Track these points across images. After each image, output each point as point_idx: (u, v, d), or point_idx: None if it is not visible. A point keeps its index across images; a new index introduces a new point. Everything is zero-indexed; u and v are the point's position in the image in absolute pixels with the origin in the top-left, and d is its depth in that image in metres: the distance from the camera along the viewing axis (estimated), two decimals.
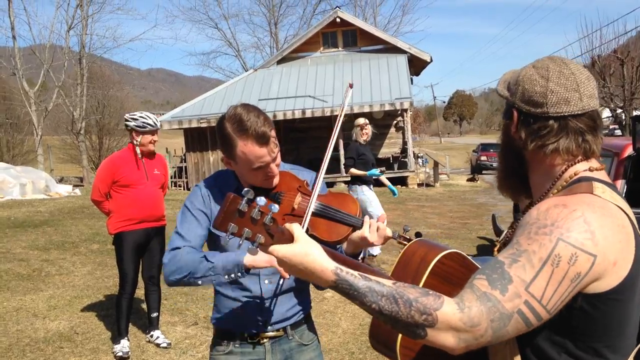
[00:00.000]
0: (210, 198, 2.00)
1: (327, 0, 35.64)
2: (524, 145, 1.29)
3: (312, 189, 1.94)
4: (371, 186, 7.10)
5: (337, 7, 22.82)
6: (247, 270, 1.83)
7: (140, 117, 4.47)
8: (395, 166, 19.57)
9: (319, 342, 2.18)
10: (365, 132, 7.07)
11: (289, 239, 1.22)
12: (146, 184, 4.54)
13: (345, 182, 18.08)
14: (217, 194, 2.00)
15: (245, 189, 1.21)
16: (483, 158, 27.43)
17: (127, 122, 4.46)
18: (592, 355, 1.18)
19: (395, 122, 21.17)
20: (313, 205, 1.86)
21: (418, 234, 2.08)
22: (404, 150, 19.94)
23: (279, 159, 1.94)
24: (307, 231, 1.89)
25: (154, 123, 4.48)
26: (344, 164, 7.22)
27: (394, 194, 7.25)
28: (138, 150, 4.51)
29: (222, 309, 2.05)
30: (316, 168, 2.01)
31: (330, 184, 18.15)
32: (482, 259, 1.48)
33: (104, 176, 4.50)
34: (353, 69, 20.04)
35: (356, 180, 7.03)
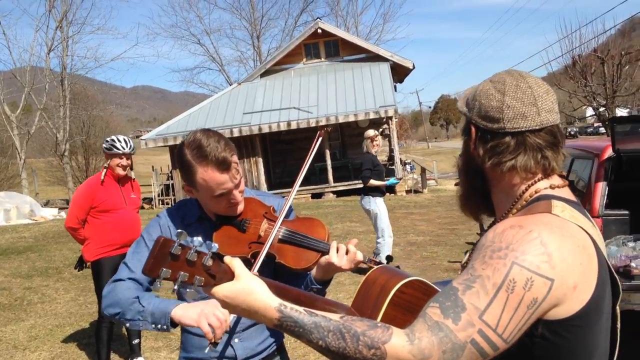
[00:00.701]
0: (170, 229, 1.92)
1: (308, 12, 35.81)
2: (482, 163, 1.24)
3: (279, 214, 1.87)
4: (384, 197, 7.21)
5: (318, 18, 22.89)
6: (173, 325, 1.68)
7: (111, 139, 4.38)
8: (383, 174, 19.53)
9: None
10: (376, 144, 7.27)
11: (230, 276, 1.14)
12: (125, 208, 4.43)
13: (334, 192, 18.06)
14: (179, 224, 1.92)
15: (178, 230, 1.13)
16: None
17: (103, 145, 4.42)
18: None
19: (380, 130, 21.17)
20: (274, 233, 1.79)
21: (389, 258, 2.02)
22: (390, 158, 19.94)
23: (242, 186, 1.86)
24: (274, 259, 1.82)
25: (122, 147, 4.32)
26: (361, 176, 7.17)
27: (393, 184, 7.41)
28: (103, 173, 4.39)
29: (189, 347, 1.96)
30: (303, 178, 1.97)
31: (318, 195, 18.07)
32: (445, 282, 1.42)
33: (81, 202, 4.34)
34: (337, 78, 20.06)
35: (370, 191, 7.05)
